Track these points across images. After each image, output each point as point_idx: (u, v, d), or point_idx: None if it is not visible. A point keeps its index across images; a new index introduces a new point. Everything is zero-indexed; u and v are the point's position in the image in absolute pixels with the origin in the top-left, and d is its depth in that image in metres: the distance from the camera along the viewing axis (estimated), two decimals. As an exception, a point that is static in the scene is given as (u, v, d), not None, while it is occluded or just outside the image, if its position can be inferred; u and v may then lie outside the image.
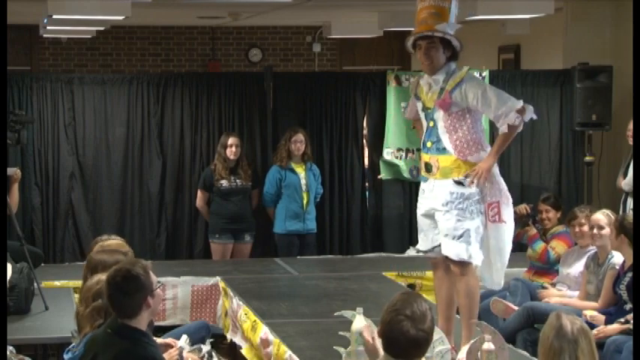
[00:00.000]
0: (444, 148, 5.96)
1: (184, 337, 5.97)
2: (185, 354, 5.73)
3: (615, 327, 6.83)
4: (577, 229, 8.00)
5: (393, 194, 10.28)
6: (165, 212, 10.14)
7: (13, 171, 8.60)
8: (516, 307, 7.79)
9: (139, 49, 15.61)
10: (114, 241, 6.25)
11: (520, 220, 8.71)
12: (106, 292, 4.78)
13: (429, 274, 9.01)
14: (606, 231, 7.49)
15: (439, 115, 5.94)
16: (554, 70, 10.68)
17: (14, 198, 8.53)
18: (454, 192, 5.91)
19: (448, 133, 5.93)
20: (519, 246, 9.24)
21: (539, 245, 8.49)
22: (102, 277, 5.19)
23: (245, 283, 8.37)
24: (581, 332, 4.19)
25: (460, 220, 5.89)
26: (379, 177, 10.24)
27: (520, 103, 5.82)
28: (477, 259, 5.94)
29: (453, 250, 5.95)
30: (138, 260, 4.91)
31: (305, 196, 9.75)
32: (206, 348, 5.96)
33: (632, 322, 6.71)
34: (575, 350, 4.15)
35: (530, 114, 5.86)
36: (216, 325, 8.27)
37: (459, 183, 5.92)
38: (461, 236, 5.90)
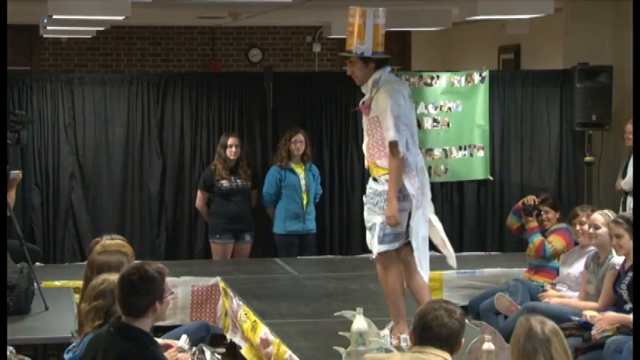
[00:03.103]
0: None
1: (184, 337, 5.97)
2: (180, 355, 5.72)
3: (614, 315, 6.82)
4: (578, 228, 8.00)
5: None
6: (165, 212, 10.14)
7: (16, 174, 8.63)
8: (519, 306, 7.81)
9: (139, 49, 15.62)
10: (115, 241, 6.25)
11: (525, 210, 8.70)
12: (118, 288, 4.77)
13: (429, 274, 9.04)
14: (602, 230, 7.49)
15: (364, 119, 6.38)
16: (554, 70, 10.68)
17: (12, 199, 8.52)
18: (371, 187, 6.33)
19: (367, 136, 6.33)
20: (520, 244, 9.26)
21: (537, 238, 8.47)
22: (108, 277, 5.19)
23: (245, 283, 8.38)
24: (553, 332, 4.24)
25: (370, 213, 6.31)
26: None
27: (391, 137, 6.10)
28: (374, 250, 6.32)
29: (367, 239, 6.43)
30: (155, 262, 4.93)
31: (305, 196, 9.74)
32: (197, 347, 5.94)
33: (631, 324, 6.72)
34: (549, 349, 4.18)
35: (401, 149, 6.13)
36: (216, 325, 8.27)
37: (375, 180, 6.30)
38: (370, 228, 6.34)
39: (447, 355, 4.28)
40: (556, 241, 8.40)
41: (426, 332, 4.28)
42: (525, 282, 8.37)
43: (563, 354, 4.21)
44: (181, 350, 5.75)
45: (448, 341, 4.28)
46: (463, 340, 4.38)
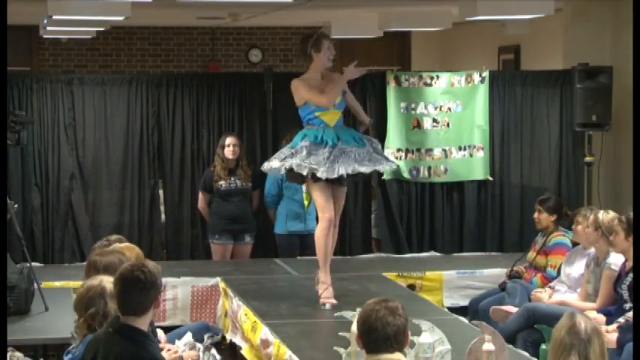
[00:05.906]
0: None
1: (189, 334, 5.99)
2: (185, 354, 5.74)
3: (614, 334, 6.81)
4: (579, 228, 8.00)
5: (393, 194, 10.26)
6: (166, 213, 10.13)
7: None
8: (515, 310, 7.79)
9: (139, 49, 15.61)
10: (124, 244, 6.25)
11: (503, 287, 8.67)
12: (119, 287, 4.74)
13: (429, 274, 9.06)
14: (601, 230, 7.51)
15: None
16: (554, 71, 10.67)
17: None
18: None
19: None
20: (519, 244, 9.20)
21: (537, 279, 8.42)
22: (93, 282, 5.18)
23: (245, 283, 8.38)
24: (594, 332, 4.23)
25: None
26: (382, 177, 10.22)
27: None
28: None
29: None
30: (149, 261, 4.94)
31: (306, 196, 9.72)
32: (200, 345, 5.96)
33: (631, 320, 6.71)
34: (586, 349, 4.18)
35: None
36: (216, 326, 8.27)
37: None
38: None
39: (399, 356, 4.26)
40: (556, 261, 8.38)
41: (373, 335, 4.22)
42: (523, 283, 8.36)
43: (600, 356, 4.21)
44: (191, 347, 5.77)
45: (397, 338, 4.24)
46: (409, 332, 4.36)
